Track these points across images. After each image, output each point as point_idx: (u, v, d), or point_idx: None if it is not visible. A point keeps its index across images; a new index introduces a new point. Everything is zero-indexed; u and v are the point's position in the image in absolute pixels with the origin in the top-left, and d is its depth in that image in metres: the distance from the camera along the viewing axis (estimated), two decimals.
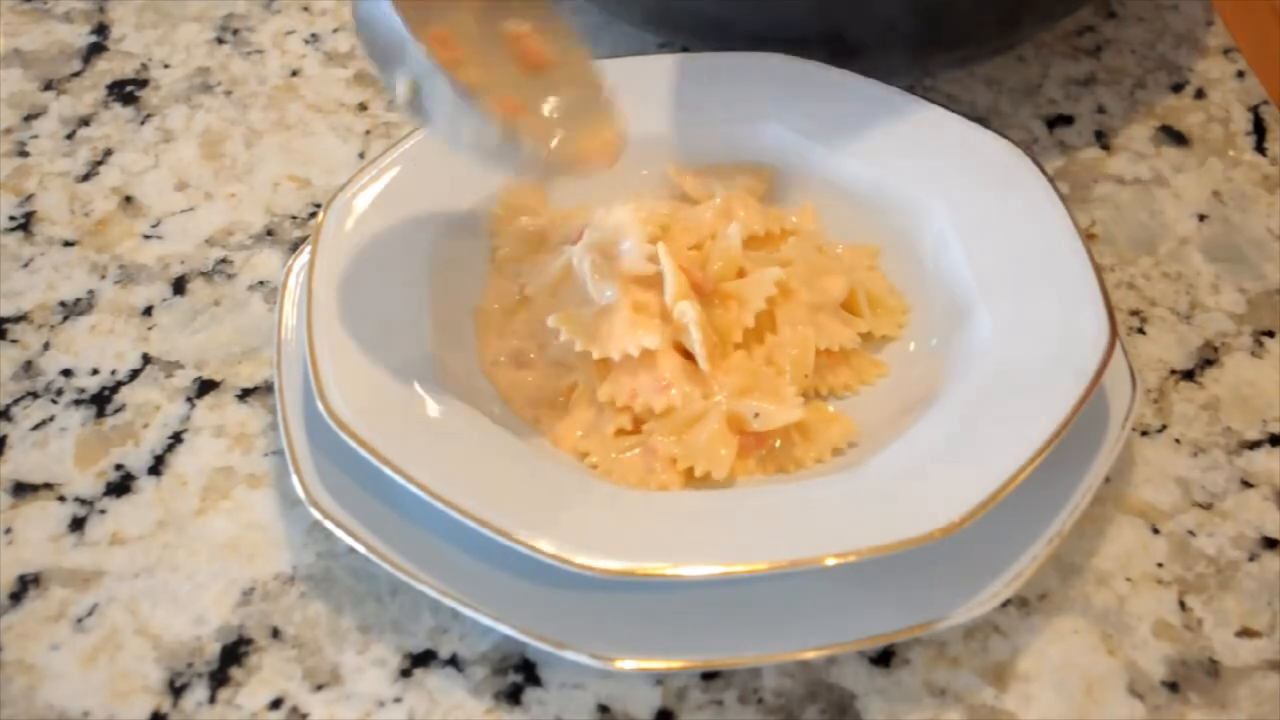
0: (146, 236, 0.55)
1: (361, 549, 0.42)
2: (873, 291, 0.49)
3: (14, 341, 0.51)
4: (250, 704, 0.41)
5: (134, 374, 0.50)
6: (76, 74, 0.62)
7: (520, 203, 0.51)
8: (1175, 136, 0.59)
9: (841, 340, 0.47)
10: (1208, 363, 0.50)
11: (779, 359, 0.47)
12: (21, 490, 0.46)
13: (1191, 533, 0.45)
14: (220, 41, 0.63)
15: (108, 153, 0.58)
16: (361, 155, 0.58)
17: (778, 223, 0.51)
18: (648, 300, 0.46)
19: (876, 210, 0.51)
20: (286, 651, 0.42)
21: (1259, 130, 0.59)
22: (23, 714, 0.41)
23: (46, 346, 0.51)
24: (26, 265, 0.54)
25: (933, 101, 0.52)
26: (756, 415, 0.44)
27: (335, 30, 0.64)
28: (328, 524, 0.42)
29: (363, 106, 0.60)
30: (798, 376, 0.46)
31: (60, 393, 0.49)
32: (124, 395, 0.49)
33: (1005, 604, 0.43)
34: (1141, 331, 0.51)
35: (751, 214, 0.50)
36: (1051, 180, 0.49)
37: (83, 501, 0.46)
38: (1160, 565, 0.45)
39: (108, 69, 0.62)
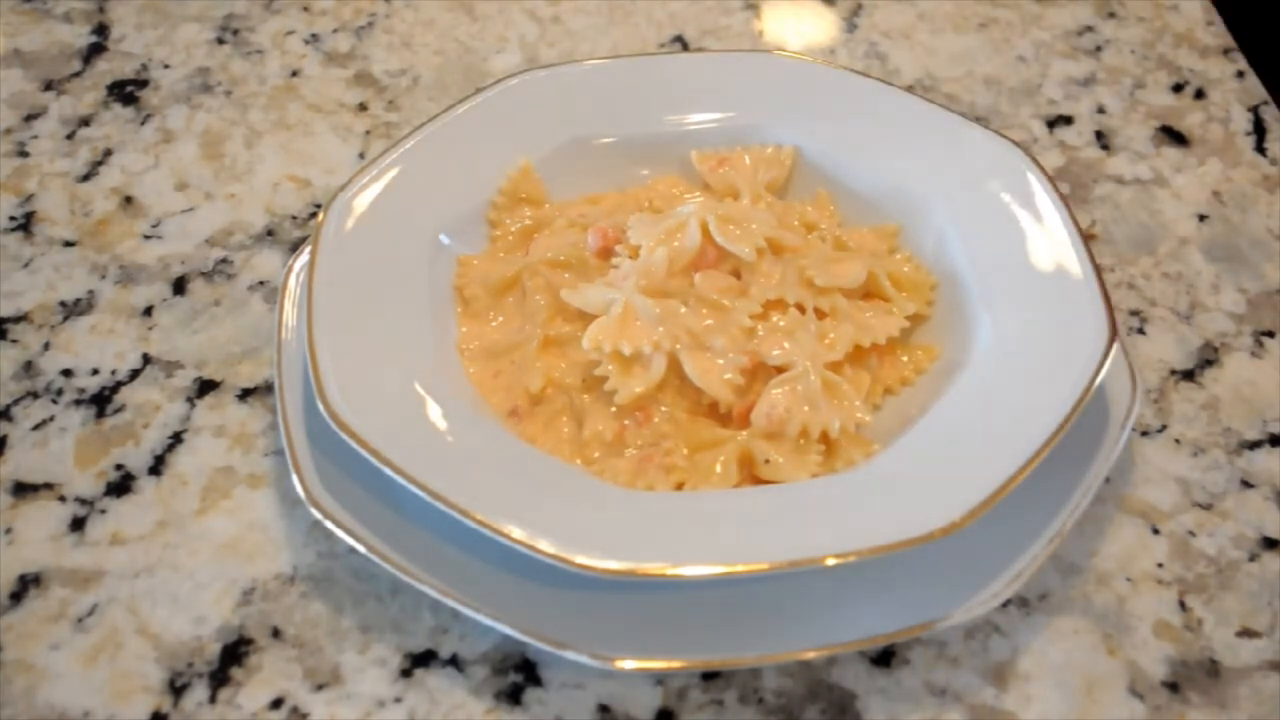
0: (146, 236, 0.55)
1: (362, 549, 0.42)
2: (894, 272, 0.49)
3: (14, 341, 0.51)
4: (250, 704, 0.41)
5: (134, 374, 0.50)
6: (76, 74, 0.62)
7: (521, 192, 0.51)
8: (1175, 136, 0.59)
9: (888, 331, 0.47)
10: (1208, 363, 0.50)
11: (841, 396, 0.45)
12: (22, 490, 0.46)
13: (1191, 533, 0.45)
14: (220, 41, 0.63)
15: (108, 153, 0.58)
16: (361, 155, 0.58)
17: (796, 215, 0.51)
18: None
19: (877, 210, 0.51)
20: (287, 651, 0.42)
21: (1259, 130, 0.59)
22: (23, 714, 0.41)
23: (46, 346, 0.51)
24: (26, 265, 0.54)
25: (932, 101, 0.52)
26: (767, 462, 0.44)
27: (335, 30, 0.64)
28: (328, 524, 0.42)
29: (363, 106, 0.60)
30: (850, 418, 0.45)
31: (60, 393, 0.49)
32: (124, 395, 0.49)
33: (1005, 604, 0.43)
34: (1141, 331, 0.51)
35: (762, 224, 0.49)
36: (1052, 180, 0.49)
37: (83, 501, 0.46)
38: (1160, 565, 0.45)
39: (108, 69, 0.62)
